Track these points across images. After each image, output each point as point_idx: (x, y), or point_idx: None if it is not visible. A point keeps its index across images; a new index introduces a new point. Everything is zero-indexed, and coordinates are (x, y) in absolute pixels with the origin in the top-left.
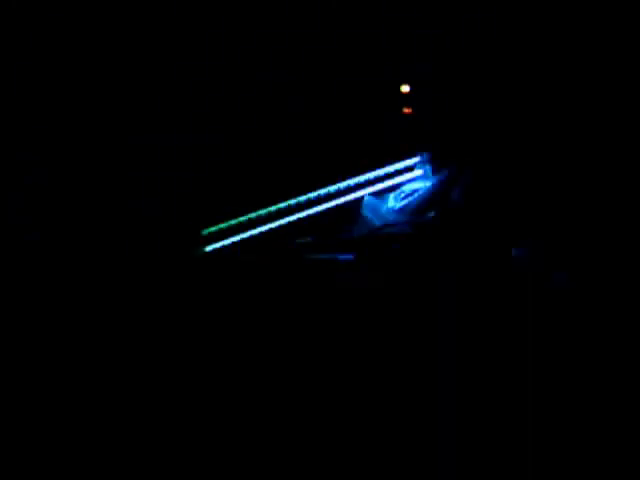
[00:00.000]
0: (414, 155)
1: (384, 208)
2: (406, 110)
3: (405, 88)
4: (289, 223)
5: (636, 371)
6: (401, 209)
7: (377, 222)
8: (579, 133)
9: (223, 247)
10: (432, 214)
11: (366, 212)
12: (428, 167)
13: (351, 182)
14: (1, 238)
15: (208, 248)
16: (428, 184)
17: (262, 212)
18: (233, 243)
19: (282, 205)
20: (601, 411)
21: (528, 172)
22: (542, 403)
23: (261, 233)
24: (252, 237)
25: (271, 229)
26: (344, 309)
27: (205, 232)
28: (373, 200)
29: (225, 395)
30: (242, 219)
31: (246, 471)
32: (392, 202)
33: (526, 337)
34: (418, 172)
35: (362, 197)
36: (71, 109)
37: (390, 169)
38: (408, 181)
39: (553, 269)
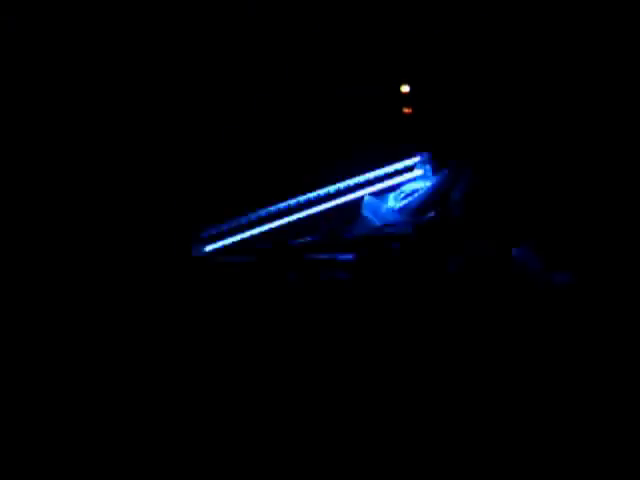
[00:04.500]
0: (414, 155)
1: (384, 208)
2: (406, 110)
3: (405, 88)
4: (289, 223)
5: (636, 370)
6: (401, 209)
7: (377, 222)
8: (578, 133)
9: (223, 247)
10: (432, 214)
11: (366, 212)
12: (428, 167)
13: (351, 182)
14: (1, 238)
15: (208, 248)
16: (428, 184)
17: (262, 212)
18: (233, 243)
19: (282, 205)
20: (601, 411)
21: (528, 172)
22: (542, 404)
23: (261, 233)
24: (252, 237)
25: (271, 229)
26: (343, 308)
27: (205, 232)
28: (373, 200)
29: (222, 392)
30: (242, 219)
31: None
32: (392, 202)
33: (526, 336)
34: (418, 172)
35: (362, 197)
36: (71, 109)
37: (390, 169)
38: (408, 181)
39: (553, 269)
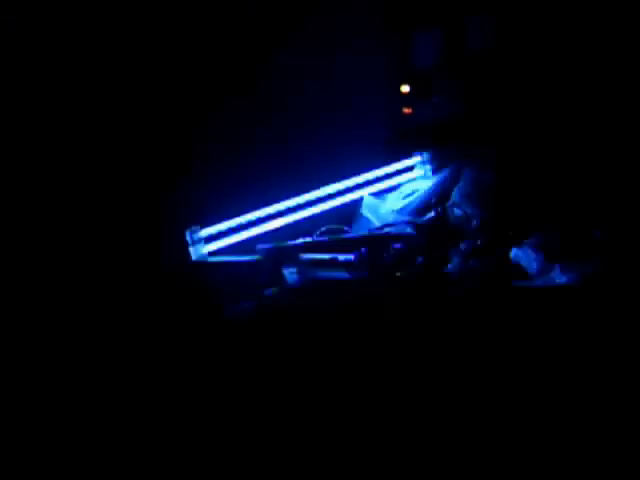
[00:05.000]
0: (414, 155)
1: (384, 208)
2: (406, 110)
3: (405, 88)
4: (289, 223)
5: (636, 370)
6: (401, 209)
7: (377, 222)
8: (579, 133)
9: (223, 247)
10: (432, 214)
11: (366, 212)
12: (428, 167)
13: (351, 182)
14: (1, 238)
15: (207, 249)
16: (428, 184)
17: (261, 213)
18: (232, 243)
19: (282, 206)
20: (600, 411)
21: (528, 171)
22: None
23: (260, 233)
24: (251, 238)
25: (271, 229)
26: (343, 308)
27: (204, 233)
28: (372, 200)
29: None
30: (241, 220)
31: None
32: (392, 202)
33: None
34: (418, 172)
35: (362, 197)
36: (71, 109)
37: (390, 169)
38: (408, 181)
39: (553, 269)
